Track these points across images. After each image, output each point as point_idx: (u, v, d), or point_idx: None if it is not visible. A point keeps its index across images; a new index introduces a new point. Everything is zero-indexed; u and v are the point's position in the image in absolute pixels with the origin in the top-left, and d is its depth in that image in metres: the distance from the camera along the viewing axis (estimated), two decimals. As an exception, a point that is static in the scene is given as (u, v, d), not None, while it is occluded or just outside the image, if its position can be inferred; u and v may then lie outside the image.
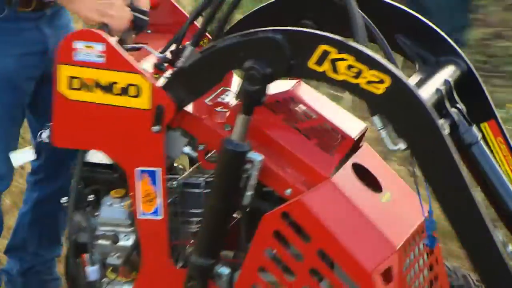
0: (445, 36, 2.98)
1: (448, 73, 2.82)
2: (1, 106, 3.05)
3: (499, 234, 2.69)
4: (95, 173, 2.96)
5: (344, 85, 2.56)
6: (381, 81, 2.49)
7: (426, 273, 2.91)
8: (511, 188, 2.80)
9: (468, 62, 2.93)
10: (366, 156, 2.99)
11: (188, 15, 3.08)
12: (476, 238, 2.59)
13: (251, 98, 2.61)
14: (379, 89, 2.50)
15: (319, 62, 2.54)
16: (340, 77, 2.53)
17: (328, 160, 2.78)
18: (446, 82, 2.75)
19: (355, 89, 2.54)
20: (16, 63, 3.04)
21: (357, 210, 2.71)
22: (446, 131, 2.56)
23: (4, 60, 3.00)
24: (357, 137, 2.93)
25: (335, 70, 2.53)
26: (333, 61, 2.52)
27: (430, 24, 2.98)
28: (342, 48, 2.51)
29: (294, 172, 2.75)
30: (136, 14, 2.91)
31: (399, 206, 2.91)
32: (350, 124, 2.95)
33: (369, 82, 2.49)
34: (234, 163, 2.66)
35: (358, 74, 2.50)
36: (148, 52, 2.95)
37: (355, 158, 2.91)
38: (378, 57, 2.50)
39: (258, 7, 3.12)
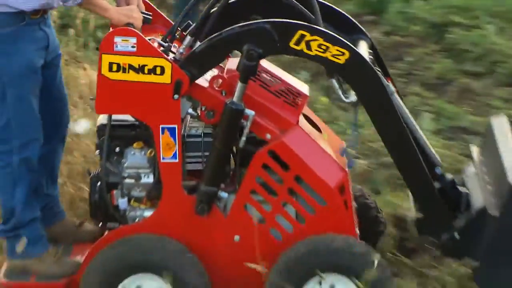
0: (354, 20, 4.20)
1: (365, 46, 4.03)
2: (30, 86, 3.82)
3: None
4: (120, 132, 3.90)
5: (316, 59, 3.65)
6: (342, 54, 3.63)
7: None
8: (419, 129, 4.11)
9: (370, 38, 4.17)
10: (306, 109, 4.15)
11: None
12: (407, 161, 3.86)
13: (249, 71, 3.64)
14: (341, 60, 3.64)
15: (297, 43, 3.62)
16: (313, 53, 3.64)
17: (294, 112, 3.88)
18: (368, 53, 3.96)
19: (324, 61, 3.66)
20: (34, 55, 3.81)
21: (317, 146, 3.86)
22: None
23: (27, 54, 3.77)
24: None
25: (309, 48, 3.62)
26: (308, 42, 3.61)
27: (345, 13, 4.18)
28: (314, 32, 3.62)
29: (271, 121, 3.80)
30: (144, 15, 3.86)
31: (333, 141, 4.11)
32: (301, 86, 4.05)
33: (333, 55, 3.62)
34: (235, 118, 3.66)
35: (325, 50, 3.62)
36: (154, 41, 3.83)
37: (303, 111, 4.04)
38: (339, 37, 3.65)
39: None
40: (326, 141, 4.07)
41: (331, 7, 4.14)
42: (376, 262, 3.61)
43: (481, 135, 5.38)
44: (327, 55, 3.63)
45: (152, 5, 4.21)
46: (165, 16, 4.26)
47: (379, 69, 4.00)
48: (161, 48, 3.78)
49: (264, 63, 3.95)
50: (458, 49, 7.64)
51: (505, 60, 7.41)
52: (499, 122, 4.37)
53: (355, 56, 3.66)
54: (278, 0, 3.90)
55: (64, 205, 4.58)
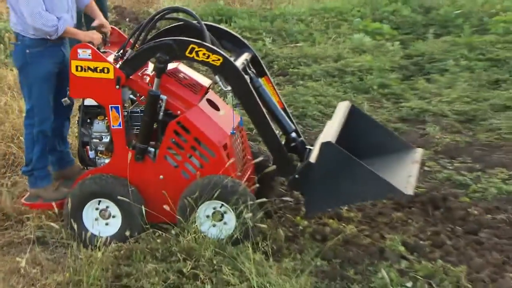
0: (241, 38, 6.26)
1: (245, 56, 6.00)
2: (49, 85, 5.94)
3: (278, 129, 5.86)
4: (90, 109, 5.99)
5: (202, 62, 5.61)
6: (218, 59, 5.56)
7: (240, 147, 6.06)
8: (279, 108, 6.01)
9: (253, 50, 6.19)
10: (211, 95, 6.10)
11: (126, 37, 6.18)
12: (263, 129, 5.73)
13: (160, 71, 5.63)
14: (217, 63, 5.57)
15: (190, 52, 5.58)
16: (200, 59, 5.58)
17: (196, 97, 5.88)
18: (245, 60, 5.92)
19: (207, 64, 5.61)
20: (52, 67, 5.92)
21: (210, 118, 5.81)
22: (248, 80, 5.70)
23: (48, 66, 5.87)
24: (208, 86, 5.99)
25: (197, 55, 5.58)
26: (196, 51, 5.57)
27: (233, 33, 6.28)
28: (200, 45, 5.57)
29: (180, 103, 5.77)
30: (104, 36, 6.01)
31: (228, 116, 5.98)
32: (204, 80, 6.05)
33: (213, 60, 5.56)
34: (155, 100, 5.66)
35: (208, 57, 5.57)
36: (110, 54, 5.93)
37: (207, 96, 6.02)
38: (217, 48, 5.60)
39: (159, 31, 6.24)
40: (222, 116, 5.97)
41: (229, 31, 6.28)
42: (242, 193, 5.47)
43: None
44: (209, 60, 5.57)
45: (118, 29, 6.38)
46: (126, 36, 6.34)
47: (253, 70, 6.00)
48: (113, 56, 5.85)
49: (182, 67, 6.02)
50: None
51: (276, 60, 10.69)
52: (342, 105, 6.24)
53: (226, 61, 5.57)
54: (188, 28, 5.95)
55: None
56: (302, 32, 11.91)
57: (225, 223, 5.61)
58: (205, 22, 6.03)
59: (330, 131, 5.69)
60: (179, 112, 5.72)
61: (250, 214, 5.43)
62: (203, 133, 5.66)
